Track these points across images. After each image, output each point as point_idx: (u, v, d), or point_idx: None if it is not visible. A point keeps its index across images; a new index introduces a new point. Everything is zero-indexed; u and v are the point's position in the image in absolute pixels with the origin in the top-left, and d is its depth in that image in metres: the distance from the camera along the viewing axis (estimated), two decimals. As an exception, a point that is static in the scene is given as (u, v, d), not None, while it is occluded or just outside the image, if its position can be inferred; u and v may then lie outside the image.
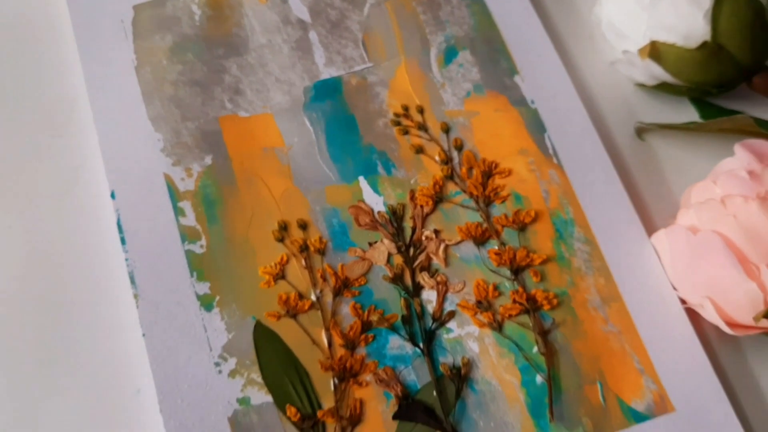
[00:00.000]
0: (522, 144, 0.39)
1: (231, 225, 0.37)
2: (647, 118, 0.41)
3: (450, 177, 0.39)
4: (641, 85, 0.42)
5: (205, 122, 0.39)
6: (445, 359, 0.35)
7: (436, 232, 0.37)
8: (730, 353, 0.36)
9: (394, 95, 0.40)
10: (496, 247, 0.37)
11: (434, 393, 0.34)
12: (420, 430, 0.33)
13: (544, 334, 0.35)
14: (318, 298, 0.36)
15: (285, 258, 0.36)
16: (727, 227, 0.33)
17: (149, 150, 0.38)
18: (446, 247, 0.37)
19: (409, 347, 0.35)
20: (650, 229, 0.37)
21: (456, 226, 0.37)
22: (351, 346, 0.35)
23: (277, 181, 0.38)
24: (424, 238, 0.37)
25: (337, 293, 0.36)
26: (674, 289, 0.36)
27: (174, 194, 0.37)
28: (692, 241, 0.34)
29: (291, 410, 0.33)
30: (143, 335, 0.34)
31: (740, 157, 0.35)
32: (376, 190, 0.38)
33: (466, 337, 0.35)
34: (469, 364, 0.35)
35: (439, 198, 0.38)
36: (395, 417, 0.34)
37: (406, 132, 0.40)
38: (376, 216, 0.38)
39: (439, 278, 0.36)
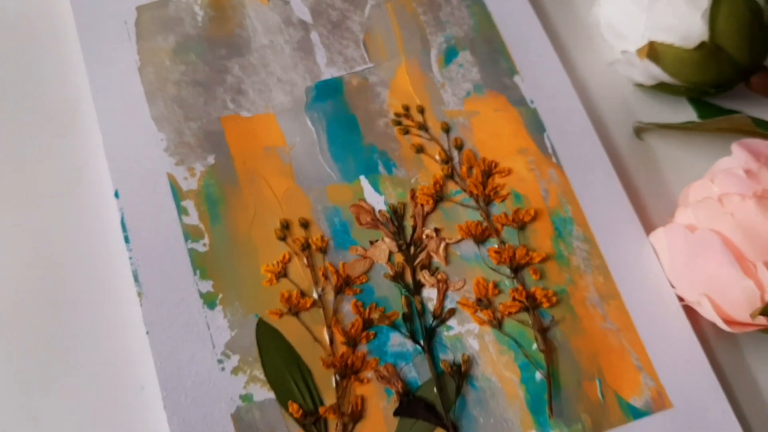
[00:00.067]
0: (521, 143, 0.40)
1: (233, 224, 0.37)
2: (646, 117, 0.41)
3: (450, 176, 0.39)
4: (640, 85, 0.42)
5: (208, 122, 0.39)
6: (446, 356, 0.35)
7: (437, 230, 0.38)
8: (727, 350, 0.36)
9: (395, 95, 0.41)
10: (496, 246, 0.37)
11: (435, 390, 0.34)
12: (421, 426, 0.34)
13: (543, 331, 0.36)
14: (320, 296, 0.36)
15: (287, 256, 0.37)
16: (724, 225, 0.33)
17: (152, 150, 0.39)
18: (446, 245, 0.37)
19: (409, 344, 0.35)
20: (648, 227, 0.38)
21: (456, 225, 0.38)
22: (352, 343, 0.35)
23: (279, 181, 0.38)
24: (424, 236, 0.37)
25: (339, 291, 0.36)
26: (672, 286, 0.36)
27: (177, 193, 0.38)
28: (690, 239, 0.34)
29: (293, 407, 0.34)
30: (147, 333, 0.35)
31: (737, 156, 0.35)
32: (377, 189, 0.38)
33: (467, 334, 0.35)
34: (469, 361, 0.35)
35: (439, 197, 0.38)
36: (396, 413, 0.34)
37: (406, 132, 0.40)
38: (377, 215, 0.38)
39: (439, 276, 0.37)
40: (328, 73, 0.41)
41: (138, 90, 0.40)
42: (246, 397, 0.34)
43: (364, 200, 0.38)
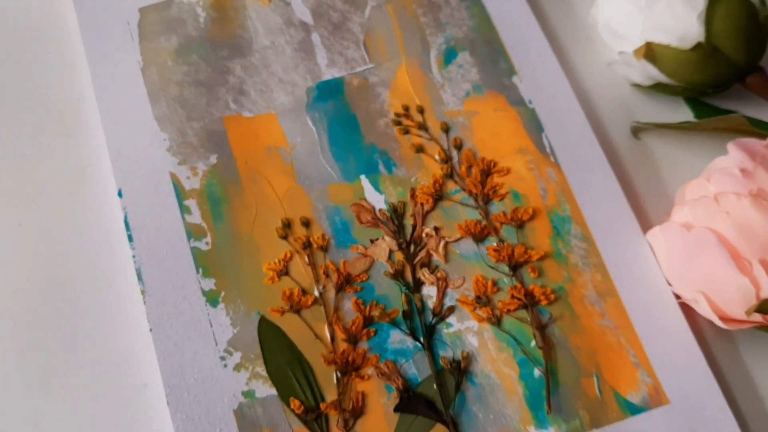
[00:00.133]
0: (520, 143, 0.40)
1: (236, 223, 0.37)
2: (643, 117, 0.41)
3: (450, 175, 0.39)
4: (637, 86, 0.42)
5: (210, 122, 0.40)
6: (445, 353, 0.35)
7: (436, 229, 0.38)
8: (723, 347, 0.36)
9: (395, 95, 0.41)
10: (495, 244, 0.37)
11: (434, 386, 0.35)
12: (421, 422, 0.34)
13: (541, 328, 0.36)
14: (321, 294, 0.36)
15: (288, 255, 0.37)
16: (720, 224, 0.33)
17: (155, 149, 0.39)
18: (446, 243, 0.38)
19: (409, 341, 0.35)
20: (646, 225, 0.38)
21: (456, 224, 0.38)
22: (353, 340, 0.35)
23: (281, 180, 0.39)
24: (424, 235, 0.38)
25: (340, 289, 0.36)
26: (669, 284, 0.36)
27: (180, 193, 0.38)
28: (686, 237, 0.34)
29: (295, 403, 0.34)
30: (150, 330, 0.35)
31: (733, 155, 0.35)
32: (377, 189, 0.39)
33: (466, 331, 0.36)
34: (468, 358, 0.35)
35: (439, 196, 0.39)
36: (396, 409, 0.34)
37: (406, 131, 0.40)
38: (378, 214, 0.38)
39: (439, 274, 0.37)
40: (329, 74, 0.41)
41: (141, 90, 0.40)
42: (248, 394, 0.34)
43: (365, 199, 0.38)
